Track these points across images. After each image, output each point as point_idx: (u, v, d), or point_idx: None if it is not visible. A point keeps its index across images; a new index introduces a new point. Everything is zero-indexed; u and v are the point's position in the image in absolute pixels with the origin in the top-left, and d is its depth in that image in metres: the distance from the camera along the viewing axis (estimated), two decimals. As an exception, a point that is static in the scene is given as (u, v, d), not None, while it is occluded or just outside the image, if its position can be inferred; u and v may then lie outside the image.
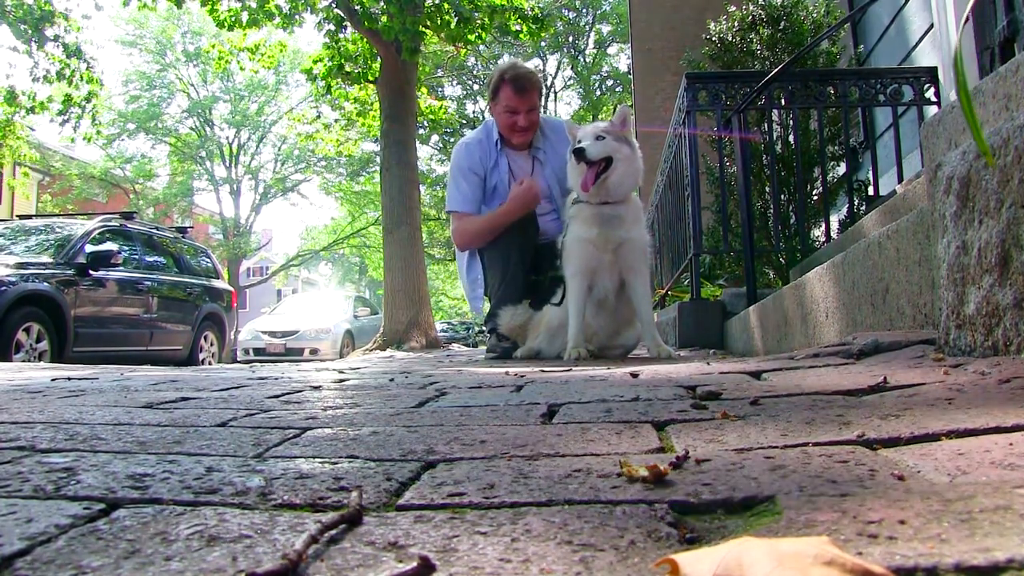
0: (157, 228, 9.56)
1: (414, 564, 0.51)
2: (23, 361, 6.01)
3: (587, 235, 3.26)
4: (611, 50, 27.63)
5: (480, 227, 3.92)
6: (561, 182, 4.02)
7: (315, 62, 11.80)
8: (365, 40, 11.09)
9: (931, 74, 4.16)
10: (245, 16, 11.08)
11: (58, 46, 12.45)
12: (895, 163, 4.22)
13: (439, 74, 23.44)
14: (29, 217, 9.52)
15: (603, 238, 3.25)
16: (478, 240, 3.97)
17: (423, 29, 10.41)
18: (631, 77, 14.66)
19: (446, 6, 10.48)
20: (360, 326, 14.88)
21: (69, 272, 6.92)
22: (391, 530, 0.61)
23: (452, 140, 21.71)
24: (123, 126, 29.23)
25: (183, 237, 9.62)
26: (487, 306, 4.08)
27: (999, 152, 1.27)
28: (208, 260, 9.92)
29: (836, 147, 5.20)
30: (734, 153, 4.63)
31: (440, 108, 14.30)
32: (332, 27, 11.21)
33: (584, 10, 26.37)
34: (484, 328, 4.27)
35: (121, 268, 7.63)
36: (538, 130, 3.99)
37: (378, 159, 15.34)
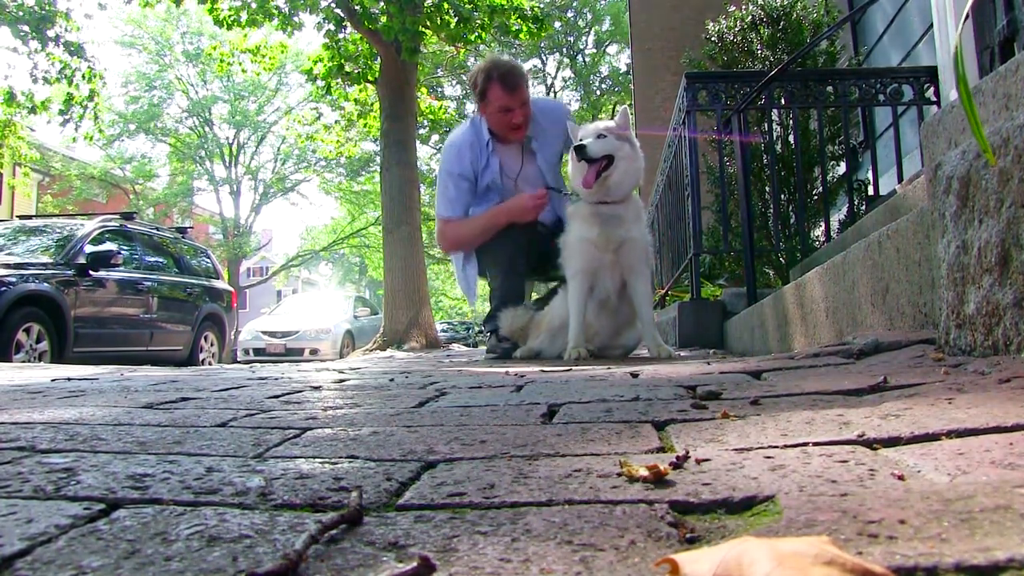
0: (157, 228, 9.56)
1: (414, 564, 0.51)
2: (23, 361, 6.01)
3: (588, 235, 3.26)
4: (611, 50, 27.64)
5: (467, 231, 3.86)
6: (553, 168, 3.99)
7: (315, 62, 11.80)
8: (365, 40, 11.09)
9: (931, 74, 4.16)
10: (244, 16, 11.08)
11: (58, 45, 12.45)
12: (895, 163, 4.22)
13: (439, 74, 23.44)
14: (29, 217, 9.52)
15: (604, 238, 3.24)
16: (464, 246, 3.92)
17: (423, 29, 10.41)
18: (631, 77, 14.66)
19: (446, 6, 10.48)
20: (360, 326, 14.87)
21: (69, 272, 6.92)
22: (391, 530, 0.61)
23: (452, 140, 21.64)
24: (123, 127, 29.25)
25: (183, 237, 9.62)
26: (488, 308, 4.05)
27: (999, 152, 1.27)
28: (208, 260, 9.92)
29: (836, 147, 5.20)
30: (734, 153, 4.63)
31: (440, 108, 14.31)
32: (332, 27, 11.22)
33: (584, 11, 26.37)
34: (484, 329, 4.25)
35: (121, 268, 7.62)
36: None
37: (378, 159, 15.34)
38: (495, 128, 3.80)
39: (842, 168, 5.13)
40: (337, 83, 11.97)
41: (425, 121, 15.18)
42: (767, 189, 5.07)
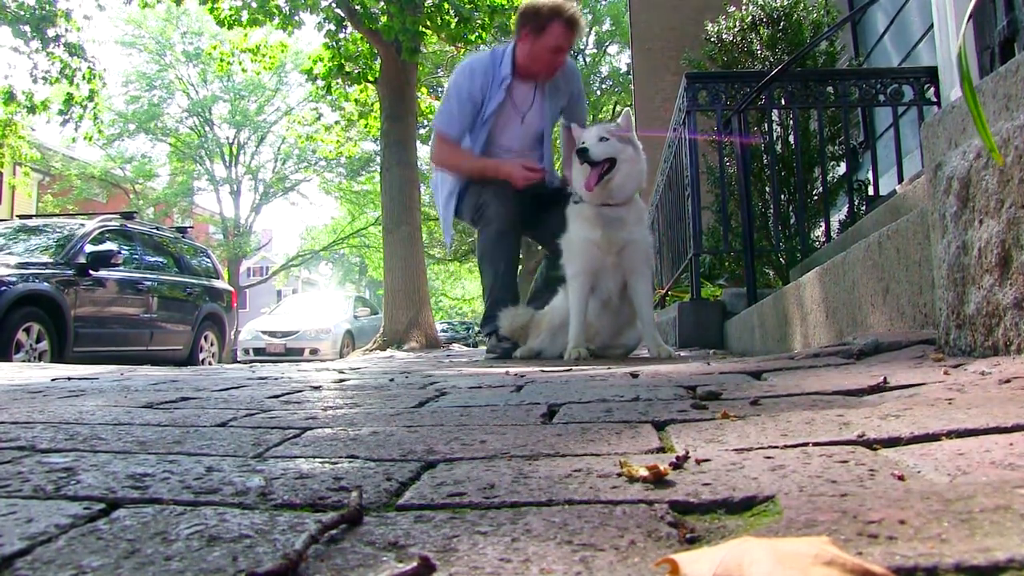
0: (157, 228, 9.55)
1: (414, 564, 0.51)
2: (23, 361, 6.01)
3: (591, 236, 3.26)
4: (611, 50, 27.65)
5: (459, 162, 3.93)
6: (554, 119, 4.06)
7: (315, 62, 11.80)
8: (365, 40, 11.09)
9: (931, 74, 4.16)
10: (245, 15, 11.09)
11: (59, 45, 12.45)
12: (895, 163, 4.22)
13: (439, 74, 23.42)
14: (29, 217, 9.52)
15: (607, 240, 3.24)
16: (450, 170, 3.98)
17: (423, 29, 10.40)
18: (631, 77, 14.65)
19: (446, 6, 10.48)
20: (360, 326, 14.87)
21: (69, 272, 6.92)
22: (391, 530, 0.61)
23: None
24: (123, 126, 29.26)
25: (183, 237, 9.62)
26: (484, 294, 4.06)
27: (999, 152, 1.27)
28: (208, 260, 9.92)
29: (836, 147, 5.20)
30: (734, 153, 4.63)
31: (440, 108, 14.28)
32: (332, 27, 11.22)
33: (584, 11, 26.38)
34: (481, 331, 4.25)
35: (121, 268, 7.62)
36: None
37: (378, 159, 15.33)
38: (532, 63, 3.83)
39: (842, 168, 5.13)
40: (337, 83, 11.97)
41: (425, 121, 15.17)
42: (767, 189, 5.07)
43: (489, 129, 3.87)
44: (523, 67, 3.85)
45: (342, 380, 2.15)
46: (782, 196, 4.92)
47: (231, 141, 31.31)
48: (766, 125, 4.61)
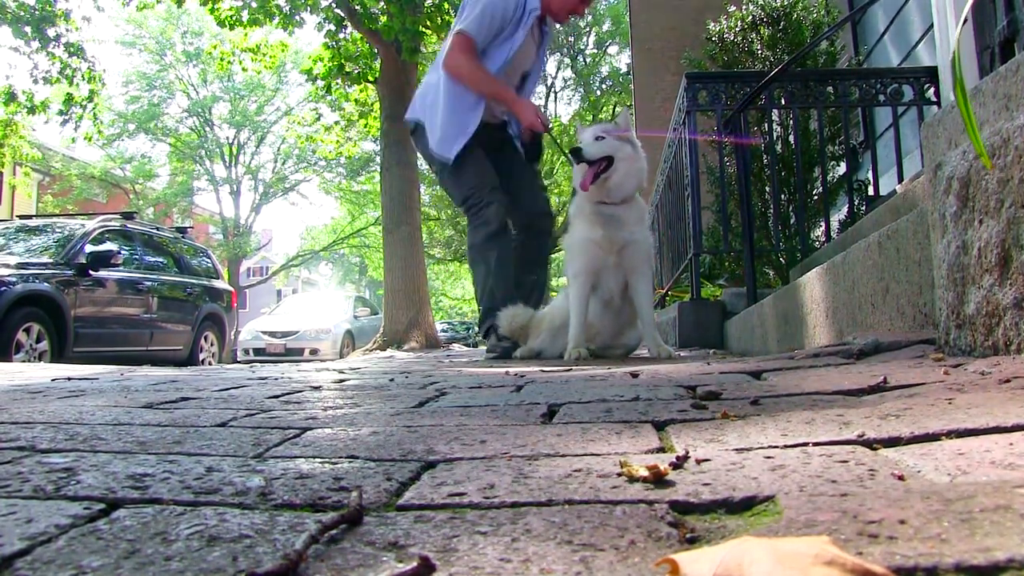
0: (157, 228, 9.55)
1: (414, 564, 0.51)
2: (23, 361, 6.01)
3: (592, 236, 3.27)
4: (611, 50, 27.64)
5: (479, 78, 3.84)
6: (542, 60, 4.27)
7: (315, 62, 11.81)
8: (365, 40, 11.10)
9: (931, 74, 4.16)
10: (246, 15, 11.09)
11: (59, 45, 12.46)
12: (895, 163, 4.22)
13: (439, 74, 23.40)
14: (29, 217, 9.52)
15: (608, 239, 3.26)
16: (468, 82, 3.88)
17: (423, 29, 10.41)
18: (631, 77, 14.64)
19: (446, 6, 10.48)
20: (360, 326, 14.87)
21: (69, 272, 6.92)
22: (391, 530, 0.61)
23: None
24: (123, 126, 29.25)
25: (183, 237, 9.62)
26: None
27: (999, 152, 1.27)
28: (208, 260, 9.92)
29: (836, 147, 5.20)
30: (734, 153, 4.63)
31: (440, 108, 14.26)
32: (332, 27, 11.23)
33: (585, 12, 26.37)
34: (480, 329, 4.24)
35: (121, 268, 7.62)
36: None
37: (378, 159, 15.33)
38: (559, 3, 3.97)
39: (842, 168, 5.12)
40: (337, 83, 11.98)
41: (425, 121, 15.15)
42: (767, 189, 5.07)
43: (509, 56, 3.89)
44: (547, 3, 3.95)
45: (342, 380, 2.15)
46: (782, 196, 4.92)
47: (231, 141, 31.31)
48: (766, 125, 4.61)
